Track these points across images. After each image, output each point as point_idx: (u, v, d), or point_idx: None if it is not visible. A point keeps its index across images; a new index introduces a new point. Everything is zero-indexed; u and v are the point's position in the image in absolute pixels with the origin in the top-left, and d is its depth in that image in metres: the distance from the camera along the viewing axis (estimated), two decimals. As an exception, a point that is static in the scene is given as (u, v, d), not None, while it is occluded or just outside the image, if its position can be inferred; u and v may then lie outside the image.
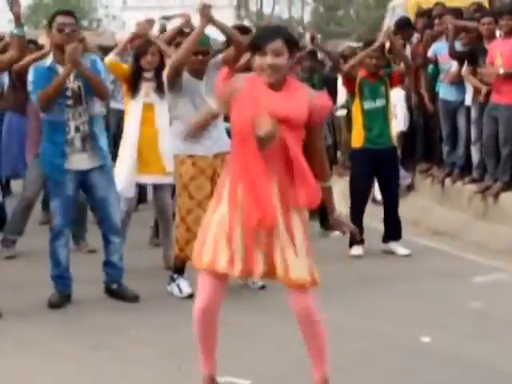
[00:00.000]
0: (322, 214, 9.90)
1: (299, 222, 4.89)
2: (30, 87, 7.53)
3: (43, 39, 10.78)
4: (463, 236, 10.21)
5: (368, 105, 9.39)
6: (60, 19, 7.35)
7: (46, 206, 10.48)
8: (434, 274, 8.43)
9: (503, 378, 5.76)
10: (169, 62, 7.78)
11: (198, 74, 7.61)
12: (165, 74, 7.68)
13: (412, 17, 20.66)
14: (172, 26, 9.84)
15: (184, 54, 7.40)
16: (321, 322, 4.93)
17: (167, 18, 11.80)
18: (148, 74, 8.40)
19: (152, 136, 8.41)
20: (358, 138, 9.48)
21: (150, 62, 8.33)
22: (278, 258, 4.81)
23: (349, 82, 9.63)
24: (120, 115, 10.19)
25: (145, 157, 8.41)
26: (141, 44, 8.61)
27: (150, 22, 9.64)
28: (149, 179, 8.62)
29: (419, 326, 6.79)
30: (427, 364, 5.98)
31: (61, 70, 7.28)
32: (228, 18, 32.40)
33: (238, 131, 4.88)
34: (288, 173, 4.85)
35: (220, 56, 7.81)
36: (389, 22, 23.05)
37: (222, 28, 7.69)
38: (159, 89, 8.26)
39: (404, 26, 10.88)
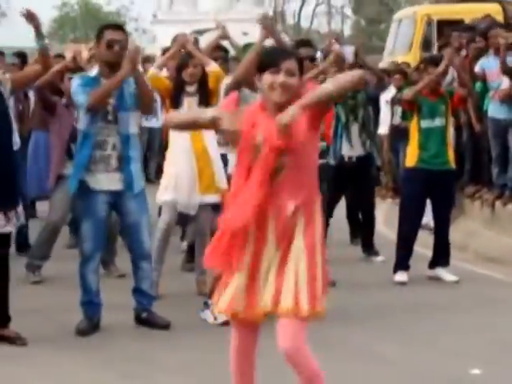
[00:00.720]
0: (365, 239, 9.86)
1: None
2: (74, 93, 7.45)
3: (69, 53, 10.86)
4: (515, 260, 10.12)
5: (426, 123, 9.25)
6: (109, 35, 7.35)
7: (73, 229, 10.51)
8: (483, 303, 8.36)
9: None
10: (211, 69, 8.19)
11: (253, 84, 7.64)
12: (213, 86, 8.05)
13: (420, 29, 20.90)
14: (205, 39, 9.90)
15: (243, 73, 7.45)
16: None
17: (200, 32, 11.92)
18: (190, 88, 8.35)
19: (202, 152, 8.34)
20: (411, 157, 9.33)
21: (192, 74, 8.30)
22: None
23: (409, 102, 9.52)
24: (149, 134, 10.29)
25: (200, 174, 8.34)
26: (182, 56, 8.61)
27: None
28: (210, 199, 8.42)
29: (468, 358, 6.73)
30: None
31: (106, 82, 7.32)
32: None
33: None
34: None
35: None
36: (394, 35, 23.31)
37: (280, 41, 7.74)
38: (202, 103, 8.25)
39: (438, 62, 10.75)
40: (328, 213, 9.28)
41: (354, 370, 4.80)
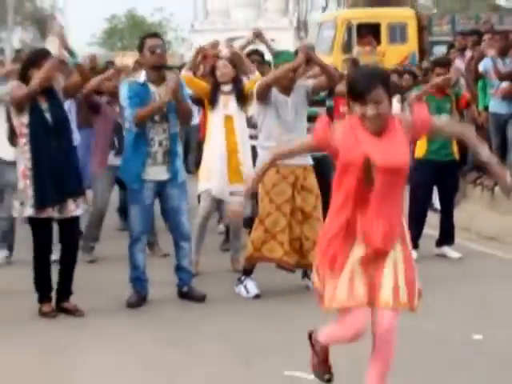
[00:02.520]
0: None
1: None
2: (124, 102, 7.62)
3: (119, 60, 10.99)
4: (509, 239, 10.18)
5: None
6: (150, 41, 7.47)
7: (122, 213, 10.66)
8: (484, 277, 8.41)
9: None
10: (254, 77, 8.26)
11: (286, 90, 7.72)
12: (251, 86, 8.00)
13: (341, 32, 20.76)
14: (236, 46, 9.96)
15: (275, 79, 7.62)
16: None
17: (232, 40, 11.96)
18: (226, 87, 8.42)
19: (234, 148, 8.44)
20: (420, 149, 9.34)
21: (222, 74, 8.35)
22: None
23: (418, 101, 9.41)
24: (187, 131, 10.34)
25: (231, 166, 8.44)
26: (214, 59, 8.70)
27: (216, 44, 9.79)
28: (234, 188, 8.44)
29: (471, 325, 6.78)
30: (477, 359, 5.99)
31: (152, 87, 7.44)
32: (288, 39, 32.23)
33: (346, 168, 4.62)
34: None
35: (311, 82, 7.95)
36: (316, 37, 22.95)
37: (319, 63, 7.86)
38: (238, 101, 8.33)
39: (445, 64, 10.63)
40: None
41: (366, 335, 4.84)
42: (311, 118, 7.84)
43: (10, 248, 9.11)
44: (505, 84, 11.09)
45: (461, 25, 22.86)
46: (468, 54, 12.67)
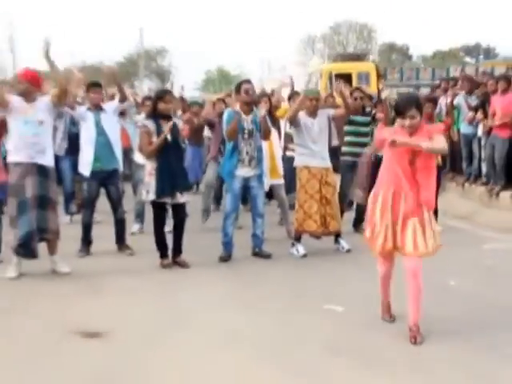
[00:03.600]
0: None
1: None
2: (224, 124, 7.62)
3: (208, 99, 11.11)
4: (476, 219, 9.97)
5: None
6: (245, 86, 7.51)
7: (217, 200, 10.65)
8: (459, 243, 8.25)
9: (502, 307, 5.69)
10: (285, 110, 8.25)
11: (312, 114, 7.69)
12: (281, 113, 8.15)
13: (325, 79, 20.72)
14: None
15: (292, 115, 7.67)
16: (421, 280, 4.88)
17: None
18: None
19: (272, 153, 8.49)
20: None
21: (262, 106, 8.11)
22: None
23: None
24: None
25: (271, 166, 8.45)
26: (257, 97, 8.40)
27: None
28: (272, 181, 8.55)
29: (448, 273, 6.71)
30: (453, 299, 5.91)
31: (243, 116, 7.45)
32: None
33: (394, 155, 4.85)
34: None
35: (332, 111, 7.92)
36: (307, 82, 22.70)
37: (343, 97, 7.78)
38: (271, 123, 8.18)
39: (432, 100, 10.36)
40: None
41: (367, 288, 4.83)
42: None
43: (142, 222, 9.17)
44: (470, 113, 10.93)
45: (406, 74, 23.03)
46: (449, 92, 12.44)
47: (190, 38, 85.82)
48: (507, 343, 4.81)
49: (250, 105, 7.49)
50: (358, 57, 23.72)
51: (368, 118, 9.00)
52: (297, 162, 7.83)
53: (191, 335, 5.08)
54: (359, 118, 8.88)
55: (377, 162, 8.15)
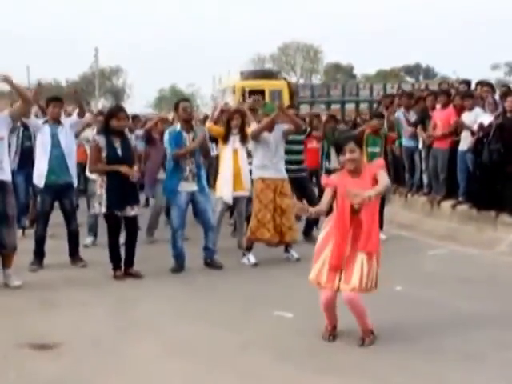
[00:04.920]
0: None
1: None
2: (166, 144, 7.50)
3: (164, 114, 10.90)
4: (419, 228, 10.00)
5: (370, 149, 9.12)
6: (183, 104, 7.44)
7: (168, 213, 10.43)
8: (404, 250, 8.29)
9: (447, 311, 5.65)
10: (251, 126, 7.96)
11: (270, 130, 7.64)
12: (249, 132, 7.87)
13: (238, 95, 20.47)
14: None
15: (261, 129, 7.63)
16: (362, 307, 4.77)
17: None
18: (235, 131, 8.17)
19: (238, 169, 8.18)
20: None
21: (235, 124, 8.14)
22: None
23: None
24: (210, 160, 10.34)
25: (235, 181, 8.18)
26: (230, 113, 8.48)
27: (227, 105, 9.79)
28: (238, 194, 8.24)
29: (394, 280, 6.62)
30: (400, 304, 5.85)
31: (185, 134, 7.34)
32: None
33: (339, 203, 4.78)
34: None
35: (286, 126, 7.78)
36: (221, 102, 22.24)
37: (291, 118, 7.75)
38: (242, 140, 8.12)
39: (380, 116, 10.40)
40: None
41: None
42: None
43: (95, 235, 8.94)
44: (410, 128, 11.03)
45: (317, 91, 22.89)
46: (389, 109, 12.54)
47: (145, 57, 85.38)
48: (452, 346, 4.76)
49: (189, 123, 7.41)
50: (271, 74, 23.13)
51: (302, 137, 9.02)
52: (253, 175, 7.80)
53: (141, 347, 4.92)
54: (291, 137, 8.57)
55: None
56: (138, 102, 64.42)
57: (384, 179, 4.74)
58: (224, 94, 22.57)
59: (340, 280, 4.74)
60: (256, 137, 7.66)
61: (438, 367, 4.38)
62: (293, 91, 21.98)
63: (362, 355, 4.61)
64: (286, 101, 20.10)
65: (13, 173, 9.22)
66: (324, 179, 5.02)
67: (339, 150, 4.82)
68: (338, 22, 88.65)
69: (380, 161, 5.22)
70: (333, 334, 4.98)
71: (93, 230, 8.95)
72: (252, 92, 19.73)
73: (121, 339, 5.07)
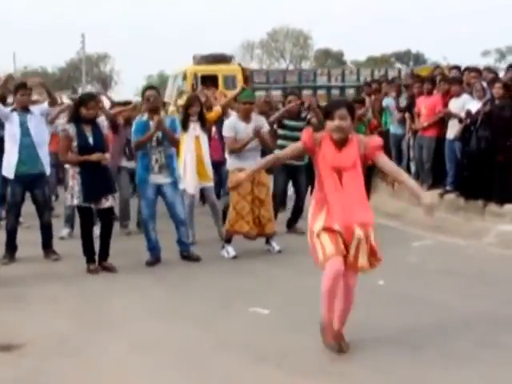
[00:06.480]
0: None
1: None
2: (132, 134, 7.26)
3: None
4: (405, 217, 9.78)
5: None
6: (148, 92, 7.14)
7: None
8: (388, 241, 7.87)
9: (432, 306, 5.45)
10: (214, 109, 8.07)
11: (246, 118, 7.40)
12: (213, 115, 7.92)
13: (190, 81, 19.73)
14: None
15: (238, 148, 7.37)
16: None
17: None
18: (194, 118, 7.95)
19: (200, 157, 7.98)
20: None
21: (194, 111, 7.95)
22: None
23: None
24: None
25: (199, 170, 8.00)
26: (188, 99, 8.24)
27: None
28: (202, 184, 8.12)
29: (377, 274, 6.36)
30: (381, 300, 5.65)
31: (151, 123, 7.05)
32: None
33: (321, 171, 4.32)
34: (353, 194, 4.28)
35: (266, 128, 7.57)
36: (171, 88, 21.37)
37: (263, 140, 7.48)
38: (202, 126, 7.93)
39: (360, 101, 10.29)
40: None
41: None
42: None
43: (72, 227, 8.70)
44: (398, 115, 10.85)
45: (272, 77, 22.29)
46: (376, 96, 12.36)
47: (132, 44, 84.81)
48: (433, 344, 4.57)
49: (154, 112, 7.09)
50: (225, 59, 22.06)
51: (302, 123, 8.57)
52: (229, 165, 7.51)
53: (111, 344, 4.72)
54: (292, 123, 8.49)
55: None
56: (126, 89, 63.72)
57: (393, 166, 4.41)
58: (175, 80, 21.82)
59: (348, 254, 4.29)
60: (235, 151, 7.41)
61: (415, 368, 4.18)
62: (247, 77, 21.34)
63: (336, 355, 4.38)
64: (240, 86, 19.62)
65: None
66: (306, 135, 4.42)
67: (327, 115, 4.26)
68: (327, 8, 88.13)
69: (376, 140, 4.51)
70: (340, 340, 4.44)
71: (69, 222, 8.73)
72: (204, 77, 19.33)
73: (87, 338, 4.85)
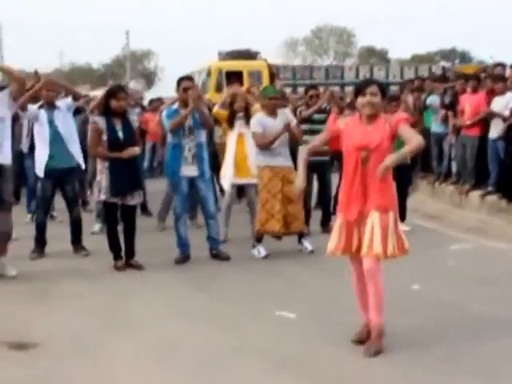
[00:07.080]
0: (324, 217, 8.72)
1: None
2: (164, 120, 7.09)
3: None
4: (445, 219, 9.48)
5: None
6: (185, 83, 6.93)
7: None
8: (426, 244, 7.69)
9: (467, 315, 5.11)
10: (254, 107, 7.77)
11: (272, 113, 7.21)
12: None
13: (214, 77, 19.23)
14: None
15: (268, 144, 7.18)
16: (380, 281, 4.30)
17: None
18: (240, 114, 7.88)
19: (243, 154, 7.86)
20: None
21: (239, 106, 7.86)
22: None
23: None
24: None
25: (240, 166, 7.87)
26: (232, 95, 8.12)
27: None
28: (244, 181, 7.96)
29: (412, 277, 6.15)
30: (414, 305, 5.35)
31: (183, 112, 6.85)
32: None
33: (345, 153, 4.35)
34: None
35: (294, 122, 7.36)
36: (199, 83, 19.36)
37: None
38: (247, 123, 7.72)
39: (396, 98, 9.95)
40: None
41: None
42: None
43: (103, 222, 8.55)
44: (443, 111, 10.52)
45: (299, 73, 21.52)
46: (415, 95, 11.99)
47: (176, 40, 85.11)
48: (464, 354, 4.26)
49: (187, 102, 6.88)
50: (249, 55, 21.21)
51: (324, 116, 8.31)
52: (259, 162, 7.31)
53: (128, 344, 4.56)
54: (315, 116, 8.25)
55: None
56: (171, 86, 64.05)
57: (413, 135, 4.18)
58: (200, 75, 21.50)
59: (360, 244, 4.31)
60: (265, 147, 7.19)
61: (444, 379, 3.90)
62: (273, 73, 20.91)
63: (364, 366, 4.12)
64: (266, 82, 18.79)
65: (23, 155, 9.18)
66: (331, 118, 4.56)
67: (359, 93, 4.30)
68: (372, 6, 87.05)
69: (401, 114, 4.61)
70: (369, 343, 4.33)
71: (101, 217, 8.62)
72: (229, 73, 19.00)
73: (104, 338, 4.70)
